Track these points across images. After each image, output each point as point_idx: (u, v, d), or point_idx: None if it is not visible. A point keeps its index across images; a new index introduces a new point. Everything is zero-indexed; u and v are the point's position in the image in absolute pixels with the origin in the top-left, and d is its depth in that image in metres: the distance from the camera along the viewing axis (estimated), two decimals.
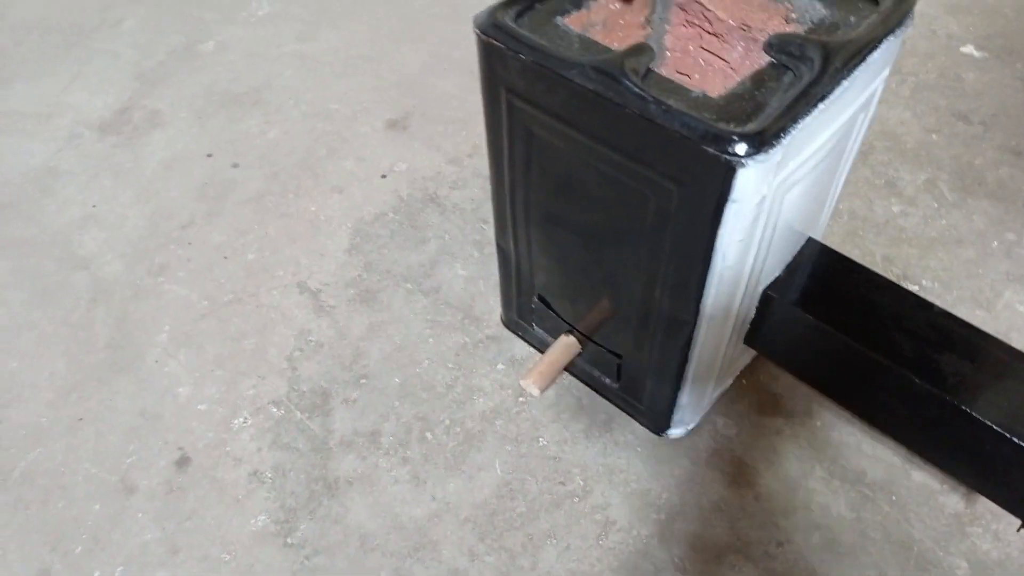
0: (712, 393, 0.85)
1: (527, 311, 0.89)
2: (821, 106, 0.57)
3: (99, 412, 0.90)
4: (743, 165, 0.54)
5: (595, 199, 0.67)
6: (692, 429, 0.86)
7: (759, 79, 0.60)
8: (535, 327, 0.90)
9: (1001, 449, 0.64)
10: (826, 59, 0.58)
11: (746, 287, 0.68)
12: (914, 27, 1.33)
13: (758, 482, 0.82)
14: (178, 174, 1.17)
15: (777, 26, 0.68)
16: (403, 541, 0.79)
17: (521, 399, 0.90)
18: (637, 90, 0.57)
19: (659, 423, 0.84)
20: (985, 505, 0.79)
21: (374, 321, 0.98)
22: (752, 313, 0.75)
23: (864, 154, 1.14)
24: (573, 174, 0.67)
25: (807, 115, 0.56)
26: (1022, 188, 1.09)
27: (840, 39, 0.60)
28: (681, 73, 0.77)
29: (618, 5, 0.71)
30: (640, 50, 0.60)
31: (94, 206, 1.13)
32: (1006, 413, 0.64)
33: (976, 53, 1.30)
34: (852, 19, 0.64)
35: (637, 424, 0.87)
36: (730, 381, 0.89)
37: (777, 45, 0.61)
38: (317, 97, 1.29)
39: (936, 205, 1.07)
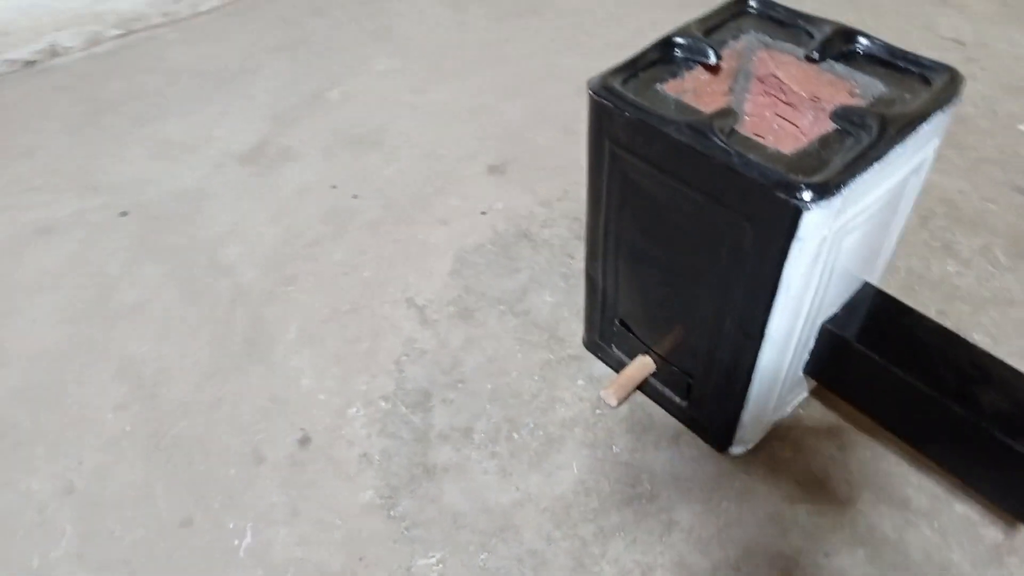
0: (771, 417, 0.95)
1: (608, 334, 1.02)
2: (876, 166, 0.69)
3: (235, 394, 1.06)
4: (808, 209, 0.66)
5: (679, 236, 0.80)
6: (751, 449, 0.96)
7: (825, 141, 0.72)
8: (614, 348, 1.02)
9: None
10: (883, 128, 0.70)
11: (806, 318, 0.79)
12: (976, 107, 1.43)
13: (810, 500, 0.91)
14: (307, 201, 1.35)
15: (843, 99, 0.81)
16: (490, 522, 0.91)
17: (598, 411, 1.01)
18: (722, 144, 0.70)
19: (721, 441, 0.95)
20: (1023, 538, 0.86)
21: (470, 335, 1.11)
22: (811, 344, 0.86)
23: (924, 219, 1.24)
24: (661, 214, 0.81)
25: (864, 172, 0.68)
26: None
27: (895, 111, 0.72)
28: (758, 135, 0.90)
29: (706, 76, 0.85)
30: (726, 113, 0.74)
31: (235, 224, 1.32)
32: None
33: None
34: (907, 96, 0.76)
35: (701, 441, 0.97)
36: (788, 411, 0.99)
37: (842, 114, 0.73)
38: (428, 142, 1.46)
39: (991, 268, 1.16)
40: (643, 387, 1.01)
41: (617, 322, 0.99)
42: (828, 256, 0.73)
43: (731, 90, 0.91)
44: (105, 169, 1.46)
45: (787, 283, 0.73)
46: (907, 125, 0.71)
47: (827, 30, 0.83)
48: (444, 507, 0.93)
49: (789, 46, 0.84)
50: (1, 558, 0.89)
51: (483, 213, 1.31)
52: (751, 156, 0.69)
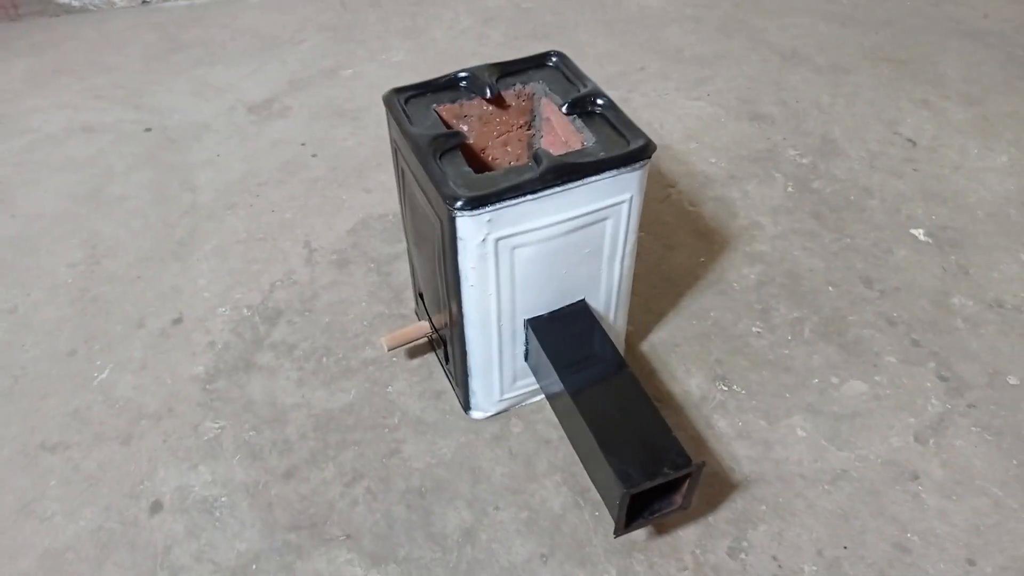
0: (506, 394, 1.14)
1: (418, 303, 1.25)
2: (529, 197, 0.88)
3: (151, 277, 1.38)
4: (460, 216, 0.87)
5: (423, 228, 1.03)
6: (491, 418, 1.16)
7: (513, 170, 0.92)
8: (420, 316, 1.25)
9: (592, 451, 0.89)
10: (545, 170, 0.89)
11: (498, 311, 0.99)
12: (882, 201, 1.52)
13: (511, 465, 1.10)
14: (276, 150, 1.67)
15: (576, 145, 0.99)
16: (269, 413, 1.17)
17: (395, 359, 1.25)
18: (434, 162, 0.92)
19: (464, 402, 1.16)
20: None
21: (336, 279, 1.38)
22: (521, 336, 1.05)
23: (761, 283, 1.36)
24: (416, 208, 1.03)
25: (512, 198, 0.87)
26: (874, 349, 1.26)
27: (564, 160, 0.91)
28: (516, 161, 1.10)
29: (491, 108, 1.07)
30: (452, 135, 0.95)
31: (218, 156, 1.66)
32: (602, 431, 0.89)
33: (922, 237, 1.45)
34: (602, 153, 0.94)
35: (456, 400, 1.18)
36: (533, 399, 1.18)
37: (536, 154, 0.93)
38: None
39: (790, 338, 1.28)
40: (436, 349, 1.23)
41: (417, 294, 1.22)
42: (499, 260, 0.93)
43: (530, 124, 1.12)
44: (153, 94, 1.85)
45: (465, 274, 0.94)
46: (568, 172, 0.89)
47: (584, 90, 1.02)
48: (245, 393, 1.20)
49: (557, 98, 1.03)
50: None
51: None
52: (447, 171, 0.91)
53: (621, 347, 1.20)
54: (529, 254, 0.95)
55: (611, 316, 1.12)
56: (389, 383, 1.22)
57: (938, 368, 1.23)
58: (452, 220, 0.88)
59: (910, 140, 1.69)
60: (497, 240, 0.91)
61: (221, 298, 1.35)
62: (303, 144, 1.69)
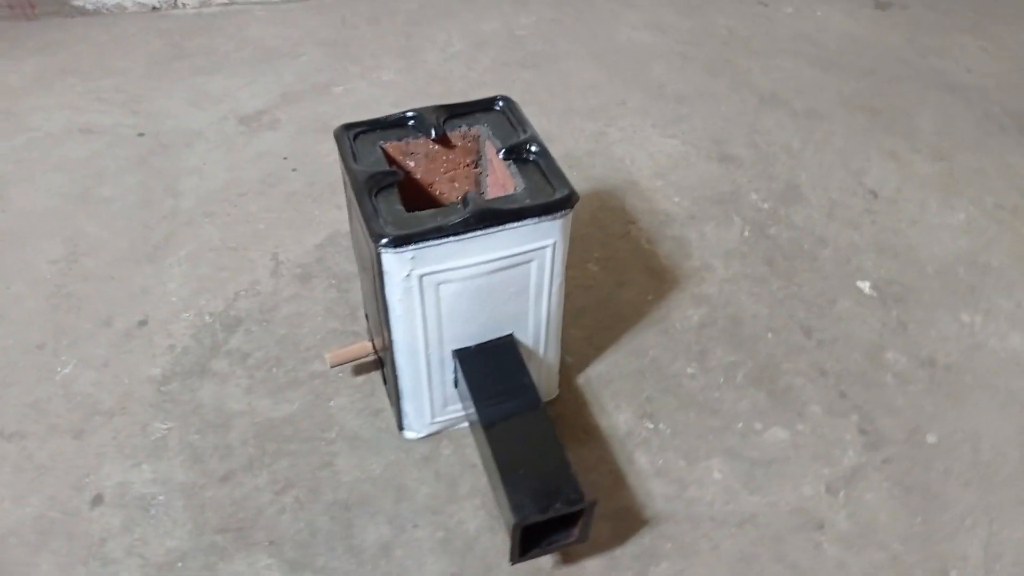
0: (437, 418, 1.20)
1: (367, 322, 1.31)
2: (452, 239, 0.94)
3: (123, 278, 1.46)
4: (383, 252, 0.93)
5: (363, 254, 1.09)
6: (422, 439, 1.22)
7: (441, 211, 0.98)
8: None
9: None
10: (470, 212, 0.95)
11: (425, 339, 1.05)
12: (835, 252, 1.56)
13: (434, 486, 1.16)
14: (260, 162, 1.74)
15: (510, 188, 1.05)
16: (215, 417, 1.24)
17: (340, 374, 1.31)
18: (368, 199, 0.98)
19: (398, 422, 1.21)
20: None
21: (297, 293, 1.45)
22: (450, 364, 1.11)
23: (703, 326, 1.41)
24: (357, 233, 1.09)
25: (436, 239, 0.93)
26: (802, 398, 1.30)
27: (489, 205, 0.96)
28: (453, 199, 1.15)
29: (437, 147, 1.13)
30: (388, 174, 1.01)
31: (204, 164, 1.73)
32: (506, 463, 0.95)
33: (867, 290, 1.49)
34: (528, 200, 1.00)
35: (393, 419, 1.24)
36: (463, 424, 1.23)
37: (466, 195, 0.99)
38: None
39: (722, 381, 1.32)
40: (380, 368, 1.30)
41: (365, 314, 1.28)
42: (424, 295, 0.99)
43: (477, 164, 1.18)
44: (152, 100, 1.93)
45: (392, 305, 1.00)
46: (491, 217, 0.95)
47: (522, 137, 1.07)
48: (195, 397, 1.27)
49: (497, 142, 1.09)
50: None
51: None
52: (381, 208, 0.97)
53: (553, 379, 1.26)
54: (454, 289, 1.01)
55: (540, 350, 1.17)
56: (332, 397, 1.28)
57: (860, 421, 1.27)
58: (378, 255, 0.95)
59: (872, 191, 1.73)
60: (421, 276, 0.97)
61: (186, 303, 1.42)
62: (285, 158, 1.76)
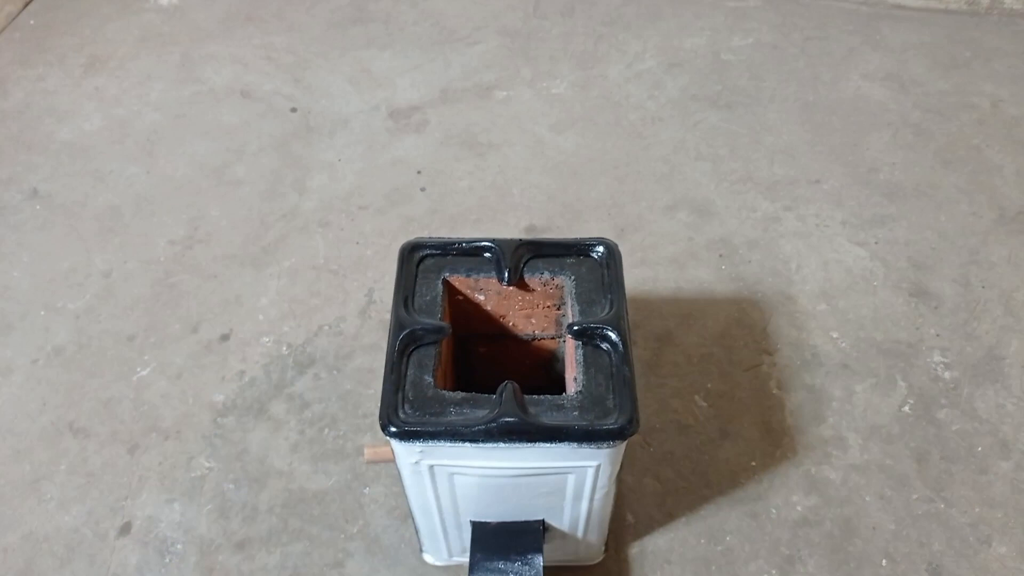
0: (453, 557, 1.09)
1: None
2: (469, 445, 0.80)
3: (224, 279, 1.46)
4: (394, 439, 0.81)
5: None
6: (443, 567, 1.12)
7: (472, 398, 0.83)
8: None
9: None
10: (497, 422, 0.79)
11: (438, 510, 0.93)
12: (1011, 460, 1.23)
13: None
14: (393, 173, 1.65)
15: (571, 375, 0.87)
16: (257, 471, 1.22)
17: (377, 467, 1.23)
18: (397, 361, 0.85)
19: (420, 544, 1.13)
20: None
21: (377, 344, 1.37)
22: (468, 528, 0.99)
23: (806, 523, 1.17)
24: None
25: (449, 440, 0.80)
26: None
27: (524, 417, 0.80)
28: None
29: (510, 288, 0.96)
30: (433, 331, 0.87)
31: (339, 159, 1.67)
32: None
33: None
34: (576, 413, 0.82)
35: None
36: None
37: (505, 386, 0.83)
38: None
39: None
40: None
41: None
42: (436, 480, 0.87)
43: (559, 307, 1.00)
44: (316, 70, 1.88)
45: (407, 481, 0.89)
46: (520, 433, 0.79)
47: (602, 314, 0.88)
48: (245, 440, 1.26)
49: (577, 308, 0.91)
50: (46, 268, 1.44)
51: None
52: (408, 372, 0.84)
53: (596, 547, 1.10)
54: (471, 482, 0.88)
55: (579, 533, 1.01)
56: (369, 484, 1.21)
57: None
58: (391, 440, 0.83)
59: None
60: (431, 466, 0.85)
61: (271, 326, 1.40)
62: (419, 172, 1.65)
